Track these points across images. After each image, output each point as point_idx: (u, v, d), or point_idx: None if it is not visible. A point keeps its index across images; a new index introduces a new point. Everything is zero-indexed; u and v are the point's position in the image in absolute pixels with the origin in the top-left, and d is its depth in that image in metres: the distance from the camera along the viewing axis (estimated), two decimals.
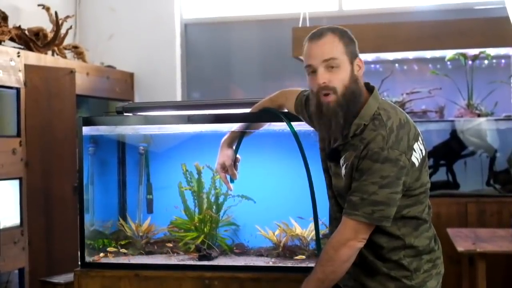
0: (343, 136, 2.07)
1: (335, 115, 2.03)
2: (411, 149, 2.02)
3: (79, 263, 2.72)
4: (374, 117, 2.03)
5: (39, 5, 4.93)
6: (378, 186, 1.96)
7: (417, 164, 2.04)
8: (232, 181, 2.57)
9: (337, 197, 2.13)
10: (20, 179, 4.32)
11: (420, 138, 2.09)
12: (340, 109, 2.03)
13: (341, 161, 2.07)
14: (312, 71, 2.06)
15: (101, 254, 2.77)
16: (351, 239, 2.00)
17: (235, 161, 2.55)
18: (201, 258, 2.69)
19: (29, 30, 4.65)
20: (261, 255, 2.71)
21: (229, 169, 2.53)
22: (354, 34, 2.14)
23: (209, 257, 2.68)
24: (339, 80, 2.03)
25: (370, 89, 2.11)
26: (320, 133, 2.21)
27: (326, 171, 2.18)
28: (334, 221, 2.17)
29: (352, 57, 2.07)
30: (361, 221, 1.98)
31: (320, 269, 2.03)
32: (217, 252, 2.73)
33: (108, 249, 2.78)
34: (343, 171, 2.06)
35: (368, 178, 1.97)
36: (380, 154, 1.96)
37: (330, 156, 2.12)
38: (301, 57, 5.42)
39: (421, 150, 2.07)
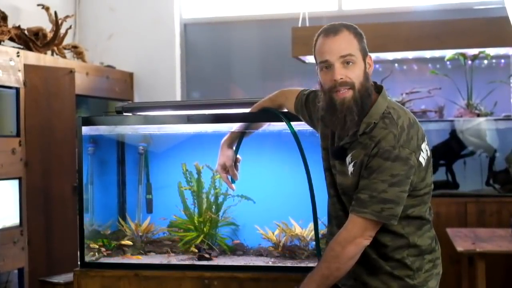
0: (350, 134, 2.07)
1: (350, 111, 2.02)
2: (419, 148, 2.03)
3: (79, 263, 2.71)
4: (384, 115, 2.03)
5: (38, 5, 4.93)
6: (387, 184, 1.96)
7: (423, 164, 2.05)
8: (233, 181, 2.57)
9: (342, 195, 2.12)
10: (20, 179, 4.32)
11: (426, 139, 2.10)
12: (355, 105, 2.02)
13: (348, 159, 2.07)
14: (327, 66, 2.04)
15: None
16: (358, 237, 2.00)
17: (235, 161, 2.55)
18: (200, 258, 2.68)
19: (29, 30, 4.65)
20: (261, 255, 2.71)
21: (230, 170, 2.53)
22: None
23: (208, 257, 2.68)
24: (355, 76, 2.03)
25: (378, 88, 2.12)
26: (321, 132, 2.21)
27: (328, 169, 2.18)
28: (335, 220, 2.17)
29: (365, 54, 2.08)
30: (370, 218, 1.98)
31: (325, 265, 2.03)
32: (216, 252, 2.73)
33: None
34: (350, 169, 2.06)
35: (378, 176, 1.97)
36: (391, 153, 1.97)
37: (336, 154, 2.11)
38: (301, 57, 5.43)
39: (427, 151, 2.08)
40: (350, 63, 2.03)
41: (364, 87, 2.04)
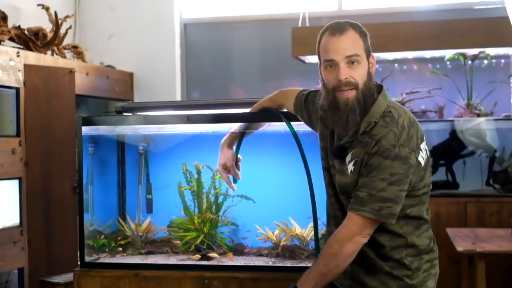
0: (351, 134, 2.07)
1: (353, 111, 2.02)
2: (419, 148, 2.03)
3: (79, 263, 2.72)
4: (384, 114, 2.04)
5: (38, 5, 4.93)
6: (387, 183, 1.96)
7: (422, 164, 2.05)
8: (235, 181, 2.57)
9: (340, 194, 2.12)
10: (20, 179, 4.32)
11: (425, 139, 2.10)
12: (358, 105, 2.02)
13: (348, 158, 2.07)
14: (331, 65, 2.04)
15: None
16: (357, 235, 2.00)
17: (236, 161, 2.55)
18: (200, 258, 2.68)
19: (29, 30, 4.65)
20: (261, 255, 2.71)
21: (231, 170, 2.53)
22: None
23: (208, 257, 2.68)
24: (359, 76, 2.03)
25: (378, 87, 2.11)
26: (320, 132, 2.21)
27: (327, 169, 2.18)
28: (333, 220, 2.17)
29: (368, 54, 2.08)
30: (368, 217, 1.98)
31: (323, 263, 2.03)
32: (216, 252, 2.73)
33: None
34: (350, 167, 2.06)
35: (377, 175, 1.97)
36: (392, 151, 1.97)
37: (336, 153, 2.11)
38: (301, 57, 5.42)
39: (426, 151, 2.09)
40: (355, 63, 2.03)
41: (367, 87, 2.04)
